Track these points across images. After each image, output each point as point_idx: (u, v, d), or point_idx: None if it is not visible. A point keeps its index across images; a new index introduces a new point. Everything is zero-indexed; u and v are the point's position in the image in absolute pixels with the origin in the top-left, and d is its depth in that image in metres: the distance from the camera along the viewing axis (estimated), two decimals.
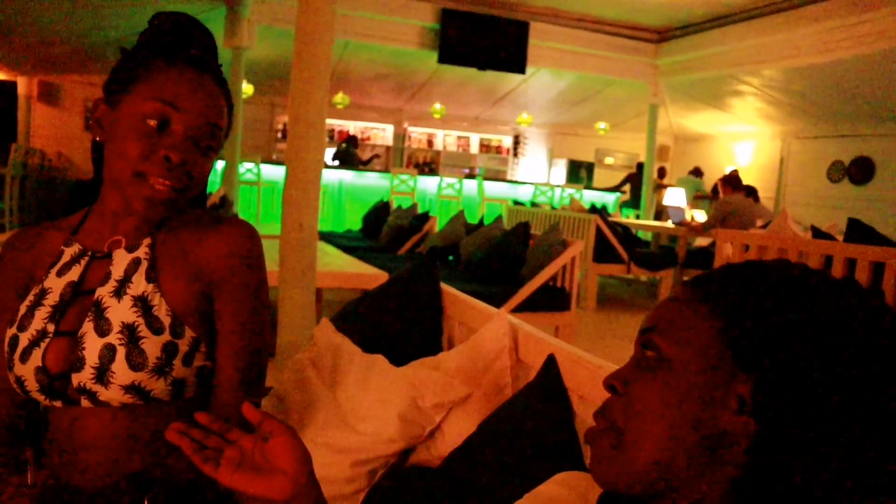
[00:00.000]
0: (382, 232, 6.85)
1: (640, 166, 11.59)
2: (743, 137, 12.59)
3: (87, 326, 1.05)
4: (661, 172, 11.86)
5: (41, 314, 1.08)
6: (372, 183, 10.38)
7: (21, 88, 11.61)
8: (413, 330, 1.82)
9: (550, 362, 1.33)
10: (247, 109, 10.13)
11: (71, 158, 11.63)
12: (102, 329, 1.05)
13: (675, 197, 8.75)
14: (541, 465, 1.13)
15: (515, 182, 11.46)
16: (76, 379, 1.03)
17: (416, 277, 1.94)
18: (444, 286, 1.95)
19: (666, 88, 10.59)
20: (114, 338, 1.04)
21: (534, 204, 9.82)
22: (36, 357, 1.04)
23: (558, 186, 11.22)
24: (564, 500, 0.86)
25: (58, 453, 1.09)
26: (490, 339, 1.51)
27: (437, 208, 10.00)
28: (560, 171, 14.40)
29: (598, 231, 6.74)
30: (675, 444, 0.63)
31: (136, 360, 1.03)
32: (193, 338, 1.09)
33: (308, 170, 3.14)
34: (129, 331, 1.04)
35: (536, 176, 14.39)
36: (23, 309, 1.09)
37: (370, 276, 3.57)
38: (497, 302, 1.75)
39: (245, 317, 1.14)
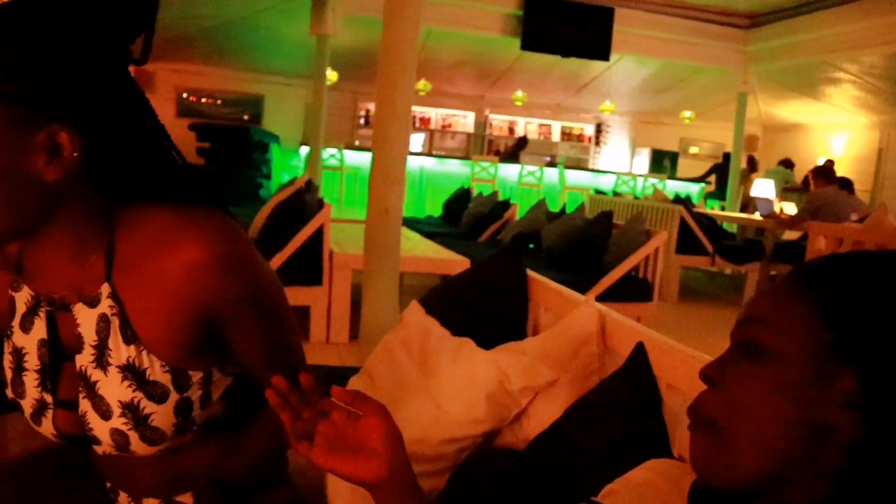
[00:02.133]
0: (463, 219, 6.88)
1: (726, 156, 11.25)
2: (837, 127, 12.07)
3: (85, 404, 0.94)
4: (753, 163, 11.46)
5: (30, 381, 0.96)
6: (452, 170, 10.43)
7: None
8: (498, 315, 1.84)
9: (640, 350, 1.33)
10: (330, 96, 10.29)
11: None
12: (102, 410, 0.93)
13: (763, 188, 8.46)
14: (628, 452, 1.13)
15: (597, 171, 11.31)
16: (99, 449, 0.98)
17: (502, 263, 1.95)
18: (531, 273, 1.96)
19: (755, 76, 10.20)
20: (118, 422, 0.93)
21: (616, 193, 9.68)
22: (47, 426, 0.97)
23: (641, 176, 11.03)
24: (656, 487, 0.86)
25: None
26: (578, 325, 1.51)
27: (517, 196, 9.97)
28: (643, 161, 14.14)
29: (682, 222, 6.60)
30: (778, 440, 0.61)
31: (152, 437, 0.94)
32: (202, 377, 0.97)
33: (394, 155, 3.19)
34: (132, 411, 0.92)
35: (618, 165, 14.17)
36: (8, 372, 0.98)
37: (452, 261, 3.60)
38: (579, 290, 1.75)
39: (258, 332, 0.98)
